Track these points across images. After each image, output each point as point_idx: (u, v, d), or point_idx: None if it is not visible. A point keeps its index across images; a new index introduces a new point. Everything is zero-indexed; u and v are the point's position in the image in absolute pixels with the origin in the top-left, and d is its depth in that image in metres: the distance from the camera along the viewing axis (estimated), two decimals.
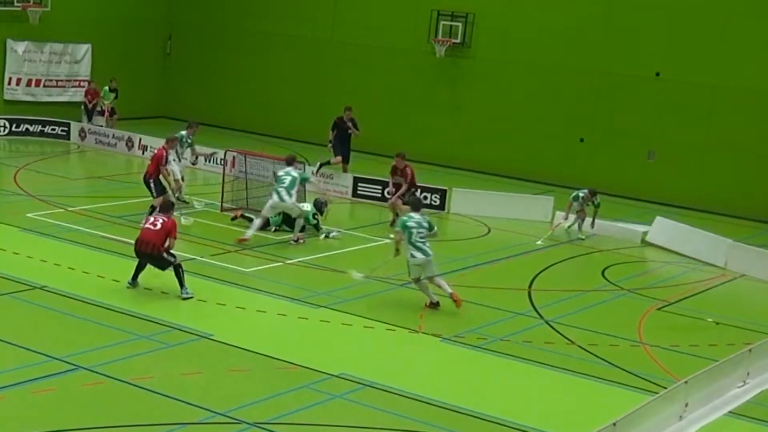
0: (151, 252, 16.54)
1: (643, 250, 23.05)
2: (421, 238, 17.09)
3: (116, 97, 31.65)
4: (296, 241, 21.01)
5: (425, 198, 25.15)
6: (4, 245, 18.84)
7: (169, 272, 16.65)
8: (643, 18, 28.45)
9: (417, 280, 17.31)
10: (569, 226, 23.44)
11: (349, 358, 14.76)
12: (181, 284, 16.64)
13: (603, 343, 16.08)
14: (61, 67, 33.24)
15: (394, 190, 23.13)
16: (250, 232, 20.69)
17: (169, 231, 16.60)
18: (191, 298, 16.59)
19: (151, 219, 16.87)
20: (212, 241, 20.55)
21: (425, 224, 17.22)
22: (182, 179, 22.84)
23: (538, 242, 22.42)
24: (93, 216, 21.29)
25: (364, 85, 32.42)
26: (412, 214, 17.39)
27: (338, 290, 17.99)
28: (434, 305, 17.24)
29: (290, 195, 20.93)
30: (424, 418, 12.69)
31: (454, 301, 16.95)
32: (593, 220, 23.56)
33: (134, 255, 16.87)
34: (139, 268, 16.96)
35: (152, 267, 16.84)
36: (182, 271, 16.66)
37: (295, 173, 21.16)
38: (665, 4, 28.15)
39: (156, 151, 21.72)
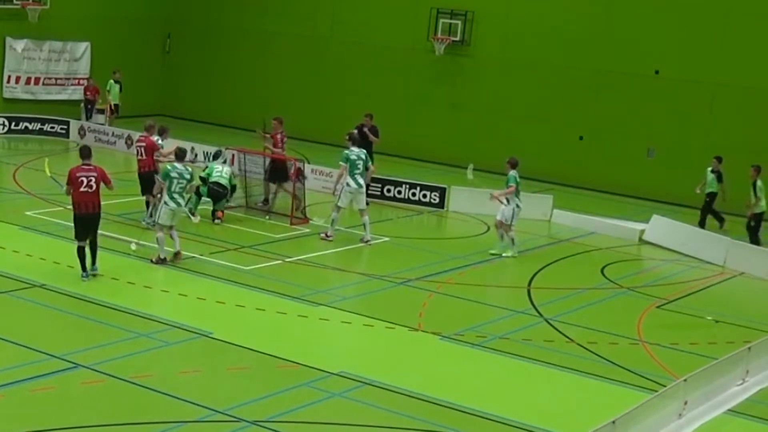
0: (99, 212, 16.97)
1: (641, 248, 23.06)
2: (181, 188, 18.20)
3: (121, 90, 31.60)
4: (368, 242, 20.99)
5: (424, 196, 25.20)
6: (3, 243, 18.83)
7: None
8: (642, 16, 28.44)
9: (160, 228, 18.20)
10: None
11: (349, 356, 14.78)
12: (94, 260, 17.16)
13: (602, 341, 16.08)
14: (61, 65, 33.25)
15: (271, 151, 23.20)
16: (331, 231, 20.97)
17: (103, 180, 16.92)
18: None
19: (84, 181, 16.77)
20: (212, 239, 20.55)
21: (187, 176, 18.32)
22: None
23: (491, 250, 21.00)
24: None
25: (364, 83, 32.41)
26: (176, 164, 18.43)
27: (338, 288, 18.01)
28: (162, 261, 18.20)
29: (364, 180, 21.06)
30: (423, 416, 12.69)
31: (175, 255, 18.26)
32: (510, 207, 20.45)
33: (79, 233, 16.90)
34: (84, 256, 17.02)
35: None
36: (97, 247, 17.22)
37: (363, 155, 21.14)
38: (665, 3, 28.14)
39: (144, 142, 20.97)
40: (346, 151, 21.01)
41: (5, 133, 31.06)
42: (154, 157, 20.68)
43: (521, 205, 20.78)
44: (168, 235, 18.36)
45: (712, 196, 24.11)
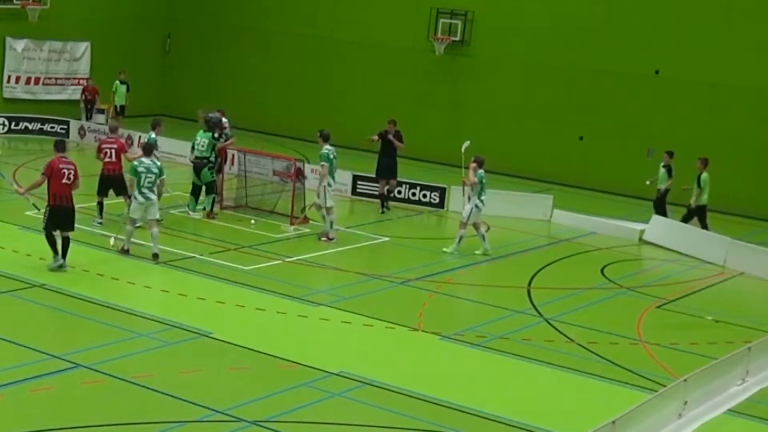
0: (74, 206, 17.18)
1: (641, 248, 23.06)
2: (149, 183, 18.31)
3: (128, 90, 31.70)
4: (330, 238, 20.89)
5: (425, 196, 25.21)
6: (3, 243, 18.83)
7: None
8: (642, 15, 28.45)
9: (133, 222, 18.54)
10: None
11: (349, 356, 14.77)
12: (61, 254, 17.28)
13: (602, 341, 16.08)
14: (61, 65, 33.26)
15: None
16: (327, 228, 20.90)
17: (75, 175, 17.09)
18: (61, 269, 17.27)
19: (65, 173, 16.96)
20: (211, 239, 20.56)
21: (155, 169, 18.47)
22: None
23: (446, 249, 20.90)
24: (91, 214, 21.24)
25: (364, 82, 32.43)
26: (143, 159, 18.53)
27: (338, 288, 18.00)
28: (125, 252, 18.50)
29: None
30: (423, 416, 12.69)
31: (153, 256, 18.27)
32: (470, 205, 20.46)
33: (54, 224, 17.06)
34: (55, 242, 17.19)
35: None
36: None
37: (335, 152, 21.26)
38: (665, 3, 28.15)
39: (114, 144, 20.77)
40: (325, 150, 20.87)
41: (5, 133, 31.06)
42: (125, 158, 20.61)
43: (480, 206, 20.58)
44: (150, 233, 18.49)
45: (663, 191, 23.90)
